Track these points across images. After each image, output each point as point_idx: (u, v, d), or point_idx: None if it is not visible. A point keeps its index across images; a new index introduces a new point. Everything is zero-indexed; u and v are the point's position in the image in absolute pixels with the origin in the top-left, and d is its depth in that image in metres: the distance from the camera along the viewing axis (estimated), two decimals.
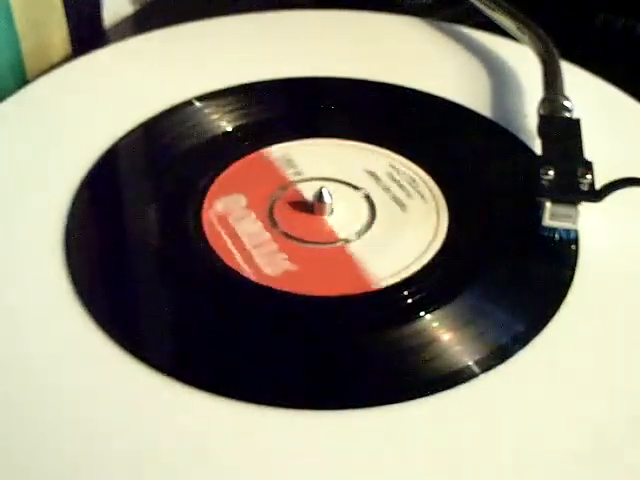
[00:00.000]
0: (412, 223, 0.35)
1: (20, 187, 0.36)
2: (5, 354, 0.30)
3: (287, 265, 0.32)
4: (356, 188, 0.36)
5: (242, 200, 0.34)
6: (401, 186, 0.36)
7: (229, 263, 0.32)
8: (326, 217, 0.35)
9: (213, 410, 0.28)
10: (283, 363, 0.30)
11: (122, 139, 0.38)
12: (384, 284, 0.32)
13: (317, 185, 0.35)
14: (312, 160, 0.37)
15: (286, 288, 0.32)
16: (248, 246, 0.33)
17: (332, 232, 0.34)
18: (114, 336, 0.30)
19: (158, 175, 0.37)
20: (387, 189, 0.36)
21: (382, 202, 0.36)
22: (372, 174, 0.37)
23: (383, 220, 0.35)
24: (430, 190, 0.36)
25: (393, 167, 0.37)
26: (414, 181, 0.36)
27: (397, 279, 0.32)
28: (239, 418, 0.28)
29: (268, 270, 0.32)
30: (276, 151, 0.37)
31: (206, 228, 0.34)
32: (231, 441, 0.27)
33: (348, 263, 0.33)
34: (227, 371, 0.29)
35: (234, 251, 0.33)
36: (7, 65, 0.45)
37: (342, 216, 0.35)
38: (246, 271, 0.32)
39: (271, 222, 0.34)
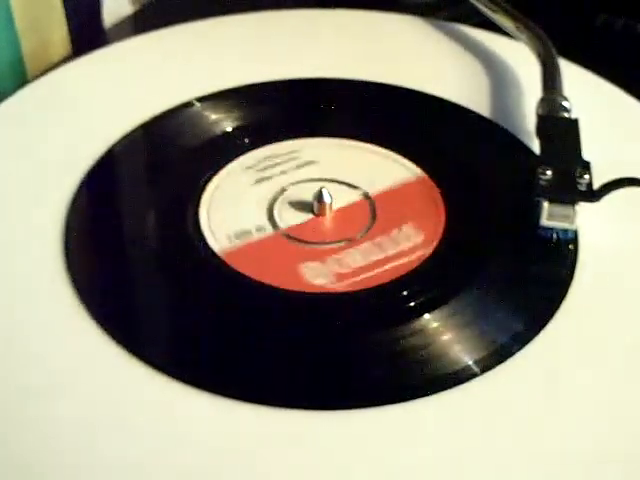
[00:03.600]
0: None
1: (20, 187, 0.36)
2: (5, 354, 0.30)
3: (409, 228, 0.33)
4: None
5: (311, 265, 0.33)
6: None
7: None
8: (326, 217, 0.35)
9: (213, 410, 0.28)
10: (283, 363, 0.30)
11: (122, 139, 0.38)
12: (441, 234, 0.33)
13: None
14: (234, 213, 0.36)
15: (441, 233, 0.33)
16: (384, 255, 0.33)
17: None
18: (114, 336, 0.30)
19: (158, 175, 0.37)
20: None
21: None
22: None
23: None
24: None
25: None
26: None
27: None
28: (239, 418, 0.28)
29: (417, 239, 0.33)
30: (223, 243, 0.34)
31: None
32: (231, 441, 0.27)
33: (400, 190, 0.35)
34: (227, 371, 0.29)
35: (387, 266, 0.33)
36: (7, 65, 0.45)
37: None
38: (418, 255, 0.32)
39: (348, 242, 0.34)
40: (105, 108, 0.41)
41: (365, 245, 0.34)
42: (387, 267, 0.32)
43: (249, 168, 0.37)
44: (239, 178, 0.37)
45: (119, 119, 0.39)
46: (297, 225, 0.35)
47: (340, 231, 0.34)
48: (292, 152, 0.38)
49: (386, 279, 0.32)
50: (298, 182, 0.37)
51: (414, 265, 0.32)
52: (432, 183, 0.36)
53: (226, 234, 0.34)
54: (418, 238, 0.34)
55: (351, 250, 0.33)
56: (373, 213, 0.35)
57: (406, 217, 0.35)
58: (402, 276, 0.32)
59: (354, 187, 0.36)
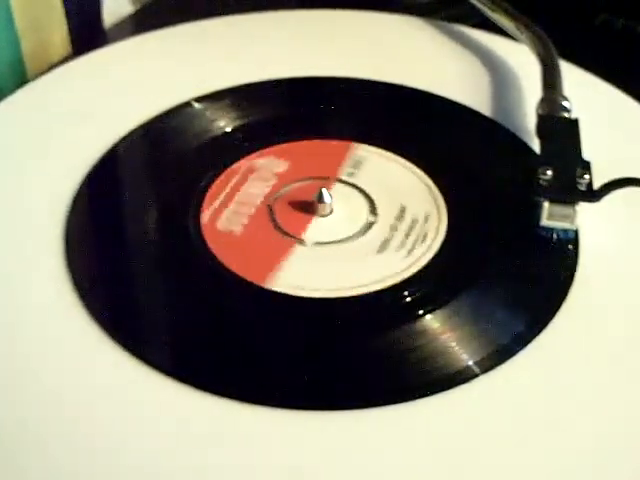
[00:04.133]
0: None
1: (20, 187, 0.36)
2: (4, 354, 0.30)
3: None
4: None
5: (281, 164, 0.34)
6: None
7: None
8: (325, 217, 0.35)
9: (213, 410, 0.28)
10: (283, 363, 0.30)
11: (122, 139, 0.38)
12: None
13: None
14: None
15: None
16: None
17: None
18: (114, 336, 0.30)
19: (158, 175, 0.37)
20: None
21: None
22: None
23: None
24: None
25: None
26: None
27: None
28: (239, 418, 0.28)
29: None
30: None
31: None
32: (231, 441, 0.27)
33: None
34: (227, 371, 0.29)
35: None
36: (7, 65, 0.45)
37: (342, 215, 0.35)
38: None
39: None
40: (105, 108, 0.41)
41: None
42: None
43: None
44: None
45: (119, 119, 0.39)
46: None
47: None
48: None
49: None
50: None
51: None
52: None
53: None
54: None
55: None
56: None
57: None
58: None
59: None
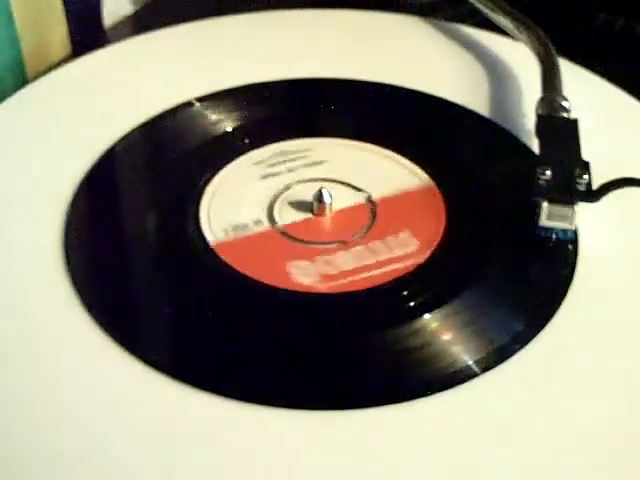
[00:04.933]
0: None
1: (20, 187, 0.36)
2: (4, 354, 0.30)
3: (406, 235, 0.33)
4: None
5: (300, 263, 0.33)
6: None
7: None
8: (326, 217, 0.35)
9: (212, 410, 0.28)
10: (283, 363, 0.30)
11: (122, 139, 0.38)
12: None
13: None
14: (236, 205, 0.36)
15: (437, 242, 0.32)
16: (374, 260, 0.33)
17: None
18: (114, 335, 0.30)
19: (158, 175, 0.37)
20: None
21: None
22: None
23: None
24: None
25: None
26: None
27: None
28: (239, 418, 0.28)
29: (412, 247, 0.33)
30: (218, 234, 0.35)
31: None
32: (231, 441, 0.27)
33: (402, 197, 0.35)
34: (227, 371, 0.29)
35: (377, 272, 0.32)
36: (7, 65, 0.45)
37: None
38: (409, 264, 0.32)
39: (341, 244, 0.34)
40: (105, 108, 0.41)
41: (358, 248, 0.33)
42: (377, 272, 0.32)
43: (259, 163, 0.37)
44: (247, 171, 0.37)
45: (119, 119, 0.39)
46: (294, 223, 0.35)
47: (336, 232, 0.34)
48: (304, 150, 0.38)
49: (373, 283, 0.32)
50: (303, 181, 0.37)
51: (403, 272, 0.32)
52: (432, 183, 0.36)
53: (223, 227, 0.34)
54: (412, 246, 0.33)
55: (342, 252, 0.33)
56: (373, 217, 0.35)
57: (405, 224, 0.34)
58: (403, 276, 0.32)
59: (358, 190, 0.36)
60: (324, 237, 0.34)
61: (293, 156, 0.38)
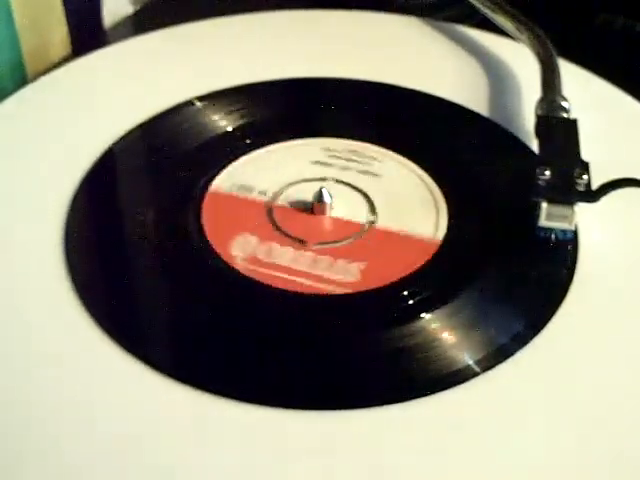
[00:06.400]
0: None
1: (20, 187, 0.36)
2: (4, 354, 0.30)
3: (357, 266, 0.32)
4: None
5: (251, 238, 0.34)
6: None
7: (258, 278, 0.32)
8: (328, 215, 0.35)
9: (212, 410, 0.28)
10: (283, 363, 0.30)
11: (122, 139, 0.38)
12: (442, 234, 0.34)
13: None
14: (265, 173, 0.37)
15: (373, 286, 0.32)
16: (308, 270, 0.33)
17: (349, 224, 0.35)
18: (114, 335, 0.30)
19: (158, 175, 0.37)
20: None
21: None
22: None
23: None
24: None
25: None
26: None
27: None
28: (239, 418, 0.28)
29: (349, 278, 0.32)
30: (222, 184, 0.36)
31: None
32: (231, 441, 0.27)
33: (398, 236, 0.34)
34: (226, 371, 0.29)
35: (299, 280, 0.32)
36: (7, 65, 0.45)
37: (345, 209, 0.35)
38: (330, 290, 0.32)
39: (299, 243, 0.34)
40: (105, 108, 0.41)
41: (306, 253, 0.33)
42: (302, 281, 0.32)
43: (327, 150, 0.38)
44: (308, 151, 0.38)
45: (119, 119, 0.39)
46: (286, 209, 0.35)
47: (308, 232, 0.34)
48: (373, 159, 0.38)
49: (285, 286, 0.32)
50: (340, 182, 0.37)
51: (323, 292, 0.32)
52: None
53: (233, 182, 0.35)
54: (351, 277, 0.32)
55: (290, 249, 0.33)
56: (356, 239, 0.34)
57: (369, 258, 0.33)
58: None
59: (373, 212, 0.35)
60: (294, 231, 0.34)
61: (360, 159, 0.38)
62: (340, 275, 0.32)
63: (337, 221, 0.35)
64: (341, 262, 0.33)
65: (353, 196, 0.36)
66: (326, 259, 0.33)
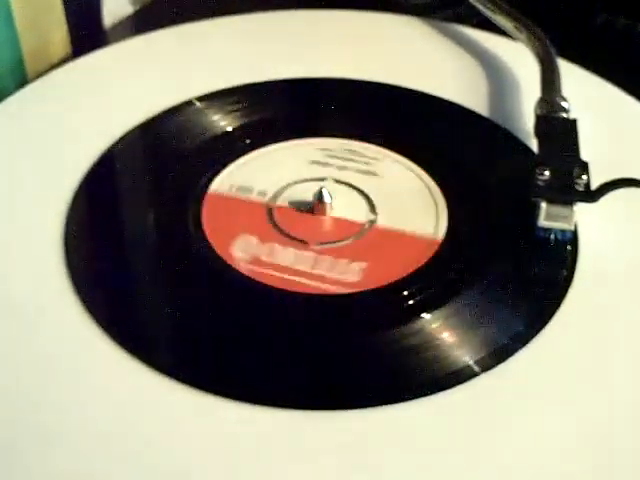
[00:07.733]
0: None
1: (20, 187, 0.36)
2: (4, 353, 0.30)
3: (358, 266, 0.32)
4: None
5: (251, 239, 0.34)
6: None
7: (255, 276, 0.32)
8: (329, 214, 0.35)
9: (212, 410, 0.28)
10: (283, 363, 0.30)
11: (122, 139, 0.38)
12: (442, 234, 0.34)
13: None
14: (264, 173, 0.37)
15: (373, 286, 0.32)
16: (309, 270, 0.32)
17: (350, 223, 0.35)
18: (114, 335, 0.30)
19: (158, 175, 0.37)
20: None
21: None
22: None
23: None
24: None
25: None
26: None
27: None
28: (239, 418, 0.28)
29: (349, 278, 0.32)
30: (222, 184, 0.36)
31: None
32: (231, 441, 0.27)
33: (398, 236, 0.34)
34: (227, 371, 0.29)
35: (300, 280, 0.32)
36: (7, 65, 0.45)
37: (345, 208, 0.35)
38: (332, 290, 0.32)
39: (300, 243, 0.34)
40: (105, 108, 0.41)
41: (307, 254, 0.33)
42: (303, 281, 0.32)
43: (324, 150, 0.38)
44: (304, 151, 0.38)
45: (119, 119, 0.39)
46: (285, 209, 0.35)
47: (308, 233, 0.34)
48: (371, 158, 0.38)
49: (291, 288, 0.32)
50: (339, 181, 0.37)
51: (324, 292, 0.32)
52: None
53: (232, 183, 0.35)
54: (352, 277, 0.32)
55: (292, 249, 0.33)
56: (357, 238, 0.34)
57: (371, 258, 0.33)
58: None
59: (374, 212, 0.35)
60: (295, 231, 0.34)
61: (359, 159, 0.38)
62: (341, 275, 0.32)
63: (337, 221, 0.35)
64: (342, 262, 0.33)
65: (353, 196, 0.36)
66: (327, 259, 0.33)
